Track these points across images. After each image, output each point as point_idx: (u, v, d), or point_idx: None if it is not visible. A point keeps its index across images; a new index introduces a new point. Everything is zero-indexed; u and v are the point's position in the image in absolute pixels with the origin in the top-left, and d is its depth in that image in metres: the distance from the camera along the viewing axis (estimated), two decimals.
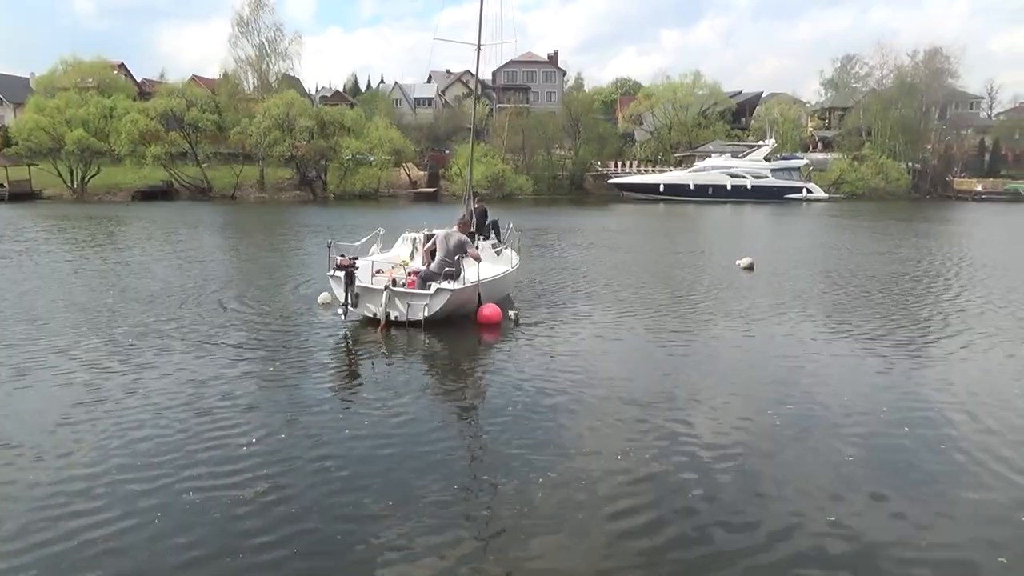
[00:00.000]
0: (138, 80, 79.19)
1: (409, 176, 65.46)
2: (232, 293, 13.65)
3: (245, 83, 65.55)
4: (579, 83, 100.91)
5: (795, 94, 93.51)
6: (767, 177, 62.10)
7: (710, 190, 60.67)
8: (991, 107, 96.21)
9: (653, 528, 4.88)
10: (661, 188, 61.14)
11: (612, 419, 6.93)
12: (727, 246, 23.94)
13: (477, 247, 12.41)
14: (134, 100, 61.59)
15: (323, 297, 12.60)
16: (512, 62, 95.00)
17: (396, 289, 11.06)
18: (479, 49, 15.85)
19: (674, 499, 5.27)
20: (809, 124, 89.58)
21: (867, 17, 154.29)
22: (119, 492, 5.27)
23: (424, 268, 11.86)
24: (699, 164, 64.69)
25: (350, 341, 10.15)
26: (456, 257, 11.51)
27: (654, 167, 70.78)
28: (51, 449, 6.07)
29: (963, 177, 74.78)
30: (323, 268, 12.24)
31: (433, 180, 65.19)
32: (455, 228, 12.14)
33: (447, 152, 69.79)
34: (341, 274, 10.82)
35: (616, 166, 71.04)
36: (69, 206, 46.22)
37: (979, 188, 71.13)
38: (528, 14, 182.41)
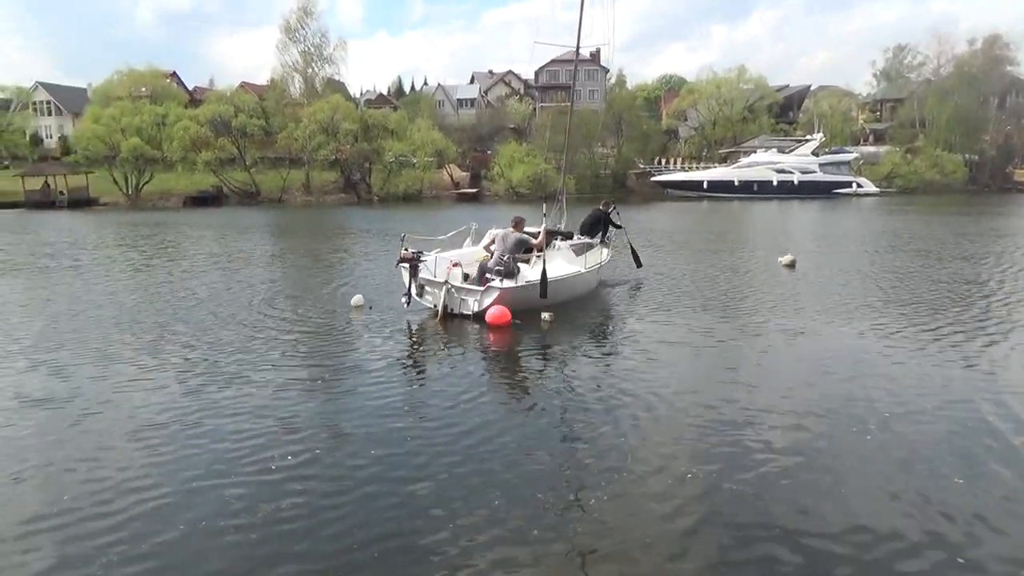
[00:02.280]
0: (189, 88, 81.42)
1: (451, 177, 65.90)
2: (284, 295, 13.94)
3: (292, 88, 66.83)
4: (622, 80, 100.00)
5: (847, 86, 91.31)
6: (815, 172, 60.66)
7: (755, 186, 59.56)
8: None
9: (719, 543, 4.78)
10: (705, 185, 60.25)
11: (668, 426, 6.84)
12: (770, 243, 23.50)
13: (555, 247, 13.39)
14: (185, 107, 63.36)
15: (356, 300, 12.79)
16: (554, 61, 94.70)
17: (453, 283, 11.69)
18: (577, 51, 17.11)
19: (745, 514, 5.13)
20: (860, 117, 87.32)
21: (923, 6, 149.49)
22: (192, 499, 5.44)
23: (484, 260, 12.43)
24: (744, 160, 63.54)
25: (401, 340, 10.24)
26: (508, 256, 12.00)
27: (698, 164, 69.83)
28: (135, 461, 6.29)
29: (1023, 169, 71.96)
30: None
31: (475, 181, 65.53)
32: (510, 228, 12.58)
33: (489, 152, 70.05)
34: (407, 265, 11.70)
35: (660, 163, 70.32)
36: (125, 212, 47.80)
37: None
38: (574, 13, 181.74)
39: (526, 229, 12.97)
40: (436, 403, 7.52)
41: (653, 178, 64.44)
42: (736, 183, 59.96)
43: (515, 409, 7.40)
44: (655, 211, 43.40)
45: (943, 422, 6.84)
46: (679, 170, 67.45)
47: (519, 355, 9.71)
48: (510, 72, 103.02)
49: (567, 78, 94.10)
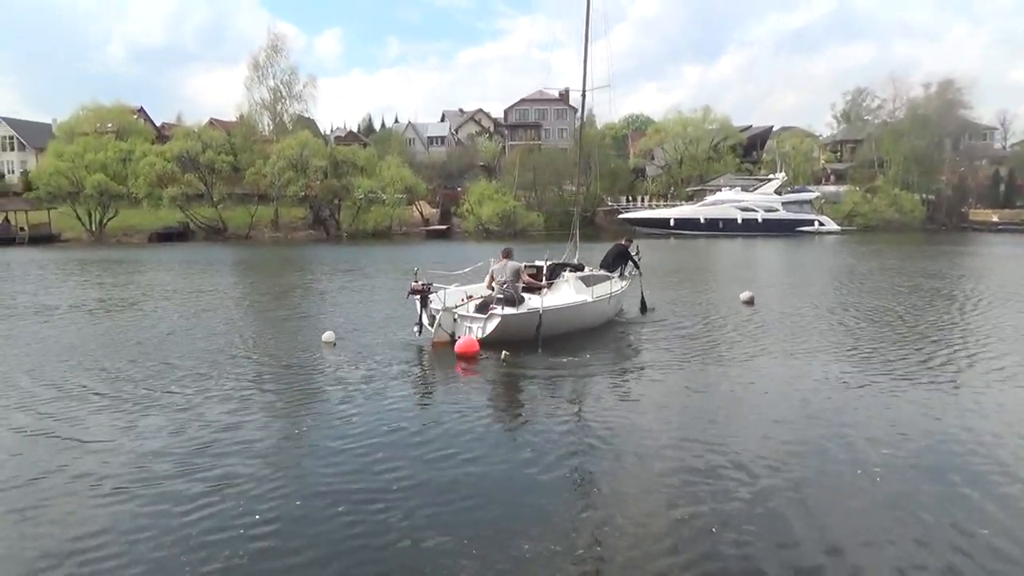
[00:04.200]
0: (157, 124, 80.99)
1: (422, 214, 66.10)
2: (253, 332, 13.74)
3: (260, 125, 66.87)
4: (591, 119, 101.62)
5: (809, 127, 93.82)
6: (778, 210, 61.91)
7: (721, 224, 60.58)
8: (1005, 138, 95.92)
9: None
10: (672, 223, 61.10)
11: (630, 463, 6.80)
12: (732, 280, 23.81)
13: (564, 278, 14.26)
14: (152, 143, 63.00)
15: (327, 336, 12.69)
16: (524, 100, 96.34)
17: (460, 313, 12.36)
18: (584, 96, 18.21)
19: (718, 551, 5.10)
20: (821, 157, 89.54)
21: (888, 51, 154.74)
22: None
23: (488, 295, 12.84)
24: (709, 198, 64.68)
25: (371, 376, 10.11)
26: (507, 283, 12.50)
27: (666, 202, 70.93)
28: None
29: (978, 208, 74.19)
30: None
31: (445, 218, 65.83)
32: (502, 259, 12.97)
33: (459, 189, 70.49)
34: (417, 297, 12.28)
35: (627, 201, 71.26)
36: (87, 249, 47.06)
37: (995, 219, 70.44)
38: (549, 53, 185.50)
39: (528, 264, 13.88)
40: (400, 440, 7.41)
41: (621, 215, 65.22)
42: (702, 221, 60.93)
43: (475, 447, 7.31)
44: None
45: (904, 452, 6.90)
46: (646, 208, 68.39)
47: (486, 390, 9.65)
48: (480, 110, 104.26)
49: (536, 117, 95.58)
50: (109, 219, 58.20)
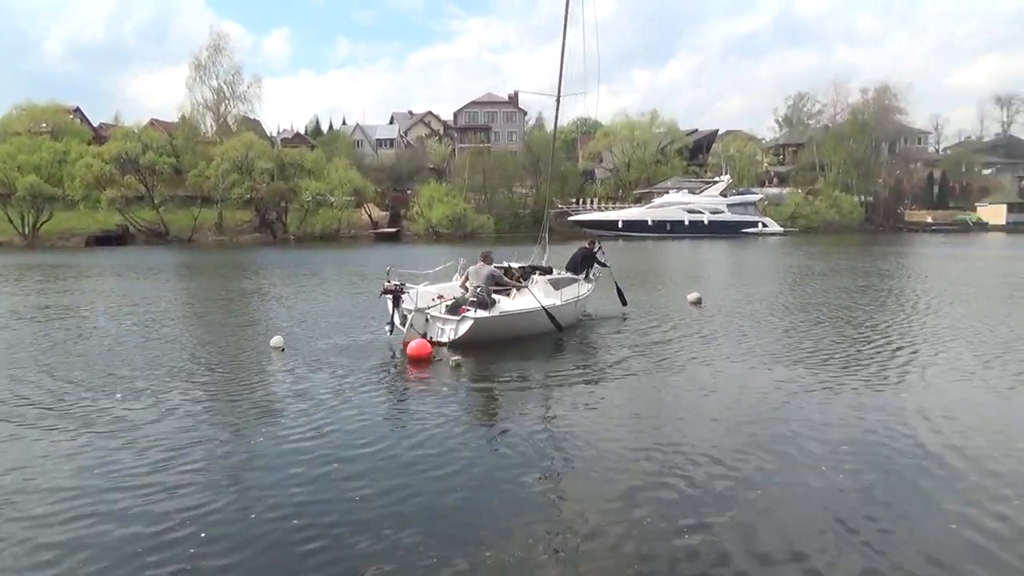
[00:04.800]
0: (94, 124, 78.44)
1: (370, 216, 65.47)
2: (198, 337, 13.35)
3: (203, 126, 65.35)
4: (540, 123, 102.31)
5: (751, 131, 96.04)
6: (723, 212, 63.28)
7: (668, 226, 61.60)
8: (938, 141, 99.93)
9: None
10: (620, 224, 61.87)
11: (580, 466, 6.81)
12: (679, 281, 24.17)
13: (534, 281, 14.27)
14: (89, 144, 60.96)
15: (276, 341, 12.43)
16: (473, 103, 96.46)
17: (432, 313, 12.47)
18: (559, 100, 18.27)
19: (667, 550, 5.12)
20: (764, 160, 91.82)
21: (831, 56, 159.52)
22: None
23: (461, 295, 12.99)
24: (657, 200, 65.73)
25: (319, 381, 9.90)
26: (480, 288, 12.65)
27: (614, 204, 71.76)
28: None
29: (914, 209, 77.07)
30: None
31: (394, 220, 65.35)
32: (480, 262, 13.38)
33: (409, 192, 70.06)
34: (389, 297, 12.38)
35: (577, 203, 71.87)
36: (20, 253, 45.26)
37: (929, 220, 73.35)
38: (500, 55, 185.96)
39: (499, 264, 14.14)
40: (354, 449, 7.26)
41: (570, 218, 65.70)
42: (650, 223, 61.87)
43: (429, 454, 7.22)
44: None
45: (849, 448, 7.06)
46: (595, 210, 69.06)
47: (436, 394, 9.54)
48: (430, 113, 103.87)
49: (485, 119, 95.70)
50: (43, 222, 56.03)
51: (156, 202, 58.13)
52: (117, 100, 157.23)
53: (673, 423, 8.15)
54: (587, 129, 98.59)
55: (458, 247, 48.78)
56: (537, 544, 5.25)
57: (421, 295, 12.79)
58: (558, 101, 18.30)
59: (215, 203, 58.78)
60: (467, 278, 13.40)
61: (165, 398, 9.23)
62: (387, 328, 12.39)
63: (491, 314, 12.24)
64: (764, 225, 63.80)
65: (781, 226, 64.79)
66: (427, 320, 12.45)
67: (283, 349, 12.17)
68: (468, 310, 12.14)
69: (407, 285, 12.76)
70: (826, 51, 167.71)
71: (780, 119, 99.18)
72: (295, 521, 5.59)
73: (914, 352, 12.00)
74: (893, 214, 75.20)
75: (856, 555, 5.02)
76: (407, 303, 12.45)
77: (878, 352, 12.01)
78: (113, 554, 5.11)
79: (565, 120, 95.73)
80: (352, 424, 8.11)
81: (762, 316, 16.08)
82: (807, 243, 49.35)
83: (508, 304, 12.76)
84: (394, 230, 62.88)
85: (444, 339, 12.15)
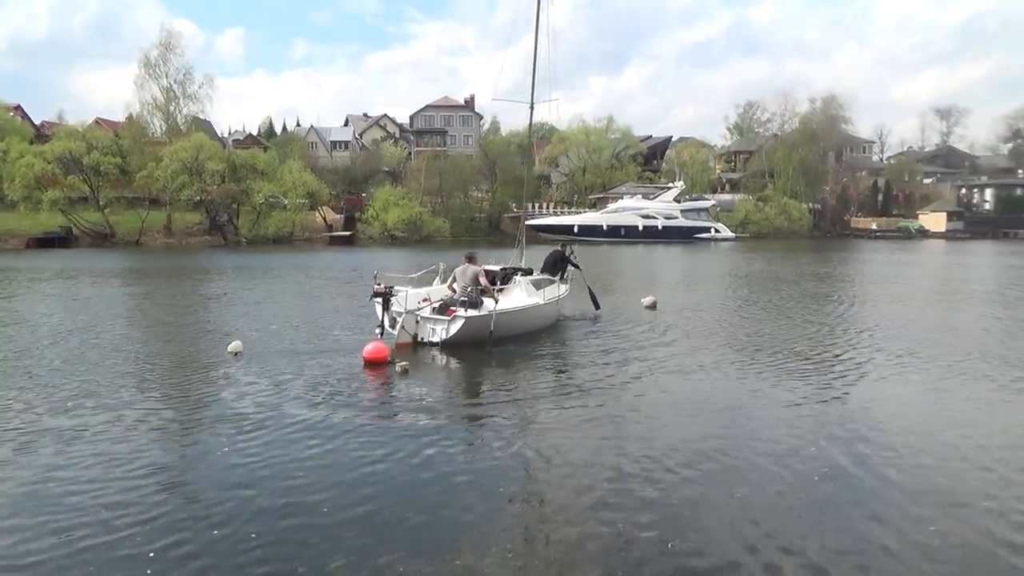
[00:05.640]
0: (36, 122, 75.89)
1: (325, 220, 64.64)
2: (151, 343, 12.98)
3: (152, 126, 63.68)
4: (495, 127, 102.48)
5: (703, 138, 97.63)
6: (677, 218, 64.21)
7: (623, 231, 62.23)
8: (882, 151, 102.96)
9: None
10: (575, 229, 62.23)
11: (537, 471, 6.83)
12: (635, 285, 24.44)
13: (516, 282, 14.99)
14: (31, 143, 58.92)
15: (234, 346, 12.21)
16: (429, 106, 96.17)
17: (421, 315, 12.79)
18: (532, 108, 18.80)
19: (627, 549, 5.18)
20: (717, 167, 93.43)
21: (782, 67, 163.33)
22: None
23: (448, 297, 13.43)
24: (612, 205, 66.37)
25: (276, 386, 9.69)
26: (471, 288, 13.13)
27: (570, 209, 72.21)
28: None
29: (859, 216, 79.28)
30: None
31: (349, 224, 64.58)
32: (465, 263, 13.81)
33: (363, 195, 69.36)
34: (380, 299, 12.72)
35: (532, 208, 72.06)
36: None
37: (874, 226, 75.49)
38: (457, 59, 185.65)
39: (487, 267, 14.72)
40: (315, 456, 7.17)
41: (527, 222, 65.75)
42: (605, 227, 62.41)
43: (372, 457, 7.16)
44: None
45: (791, 448, 7.23)
46: (551, 215, 69.36)
47: (390, 400, 9.48)
48: (385, 115, 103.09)
49: (442, 123, 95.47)
50: None
51: (101, 203, 56.33)
52: (61, 98, 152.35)
53: (627, 425, 8.24)
54: (543, 134, 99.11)
55: (414, 251, 48.59)
56: (489, 548, 5.26)
57: (410, 298, 13.11)
58: (531, 108, 18.82)
59: (164, 205, 57.30)
60: (454, 279, 13.83)
61: (116, 409, 8.97)
62: (377, 331, 12.59)
63: (480, 313, 12.60)
64: (716, 231, 64.95)
65: (732, 232, 66.01)
66: (417, 321, 12.77)
67: (239, 355, 11.95)
68: (456, 310, 12.54)
69: (396, 288, 13.16)
70: (777, 61, 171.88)
71: (731, 127, 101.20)
72: (247, 528, 5.50)
73: (852, 349, 12.44)
74: (840, 221, 77.25)
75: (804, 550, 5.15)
76: (396, 305, 12.80)
77: (823, 351, 12.34)
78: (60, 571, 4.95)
79: (523, 126, 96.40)
80: (308, 430, 8.01)
81: (714, 319, 16.38)
82: (758, 248, 50.44)
83: (495, 304, 13.14)
84: (349, 233, 62.14)
85: (435, 339, 12.57)
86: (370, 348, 11.30)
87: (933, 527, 5.58)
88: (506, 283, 15.26)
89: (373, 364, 11.05)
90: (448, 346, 12.36)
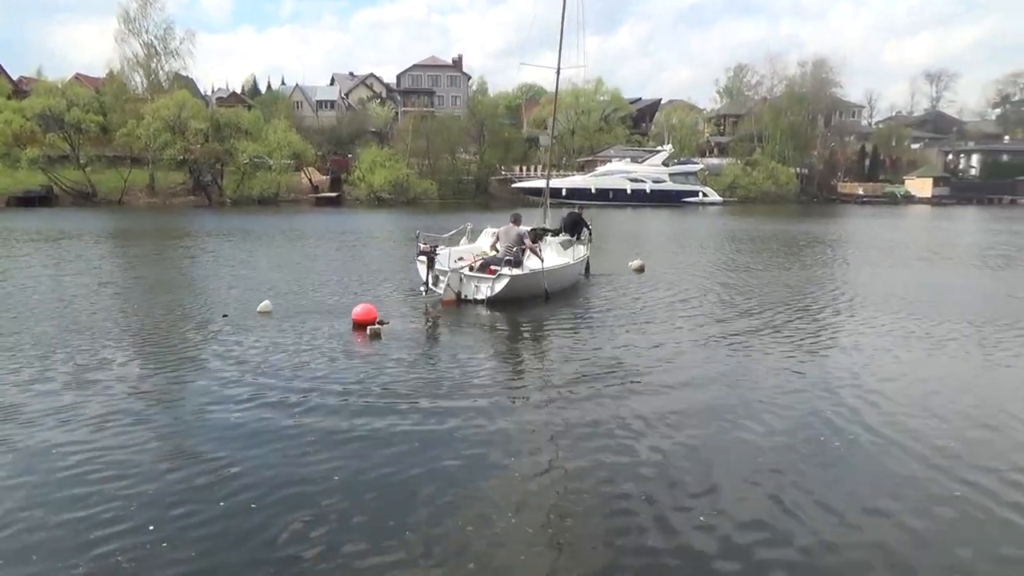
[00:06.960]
0: (13, 77, 74.07)
1: (311, 181, 64.04)
2: (139, 306, 12.87)
3: (133, 83, 62.44)
4: (483, 88, 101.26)
5: (690, 100, 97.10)
6: (665, 181, 64.09)
7: (611, 194, 62.05)
8: (871, 116, 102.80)
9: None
10: (564, 192, 61.87)
11: (526, 431, 6.88)
12: (623, 249, 24.44)
13: (547, 243, 15.14)
14: (8, 99, 57.65)
15: (263, 306, 12.23)
16: (416, 66, 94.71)
17: (466, 273, 13.32)
18: (558, 72, 19.08)
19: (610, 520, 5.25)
20: (706, 130, 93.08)
21: (773, 28, 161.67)
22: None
23: (487, 255, 14.07)
24: (600, 169, 66.09)
25: (266, 348, 9.66)
26: (515, 248, 13.71)
27: (558, 171, 71.83)
28: None
29: (846, 181, 79.50)
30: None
31: (335, 185, 64.01)
32: (510, 223, 14.35)
33: (350, 156, 68.57)
34: (424, 258, 13.28)
35: (520, 170, 71.65)
36: None
37: (861, 192, 75.84)
38: (449, 17, 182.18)
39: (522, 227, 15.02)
40: (293, 412, 7.20)
41: (514, 185, 65.50)
42: (593, 191, 62.13)
43: (363, 425, 7.19)
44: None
45: (782, 408, 7.32)
46: (540, 177, 68.94)
47: (381, 364, 9.47)
48: (372, 75, 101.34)
49: (429, 83, 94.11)
50: None
51: (82, 162, 55.45)
52: (39, 52, 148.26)
53: (614, 393, 8.25)
54: (532, 95, 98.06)
55: (400, 212, 48.34)
56: (471, 524, 5.31)
57: (451, 256, 13.68)
58: (557, 72, 19.02)
59: (146, 164, 56.49)
60: (497, 239, 14.37)
61: (104, 358, 8.94)
62: (422, 289, 13.37)
63: (523, 272, 13.25)
64: (704, 195, 64.96)
65: (720, 196, 66.04)
66: (462, 279, 13.21)
67: (268, 313, 12.06)
68: (498, 268, 13.07)
69: (439, 248, 13.69)
70: (773, 22, 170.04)
71: (721, 90, 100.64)
72: (242, 496, 5.51)
73: (836, 312, 12.67)
74: (827, 186, 77.41)
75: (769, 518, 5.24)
76: (440, 264, 13.36)
77: (812, 313, 12.45)
78: (51, 541, 4.96)
79: (511, 86, 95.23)
80: (300, 392, 8.01)
81: (701, 283, 16.43)
82: (745, 212, 50.53)
83: (534, 263, 13.74)
84: (335, 195, 61.62)
85: (480, 296, 13.04)
86: (358, 310, 11.25)
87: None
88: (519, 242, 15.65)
89: (362, 325, 10.93)
90: (493, 303, 12.80)
